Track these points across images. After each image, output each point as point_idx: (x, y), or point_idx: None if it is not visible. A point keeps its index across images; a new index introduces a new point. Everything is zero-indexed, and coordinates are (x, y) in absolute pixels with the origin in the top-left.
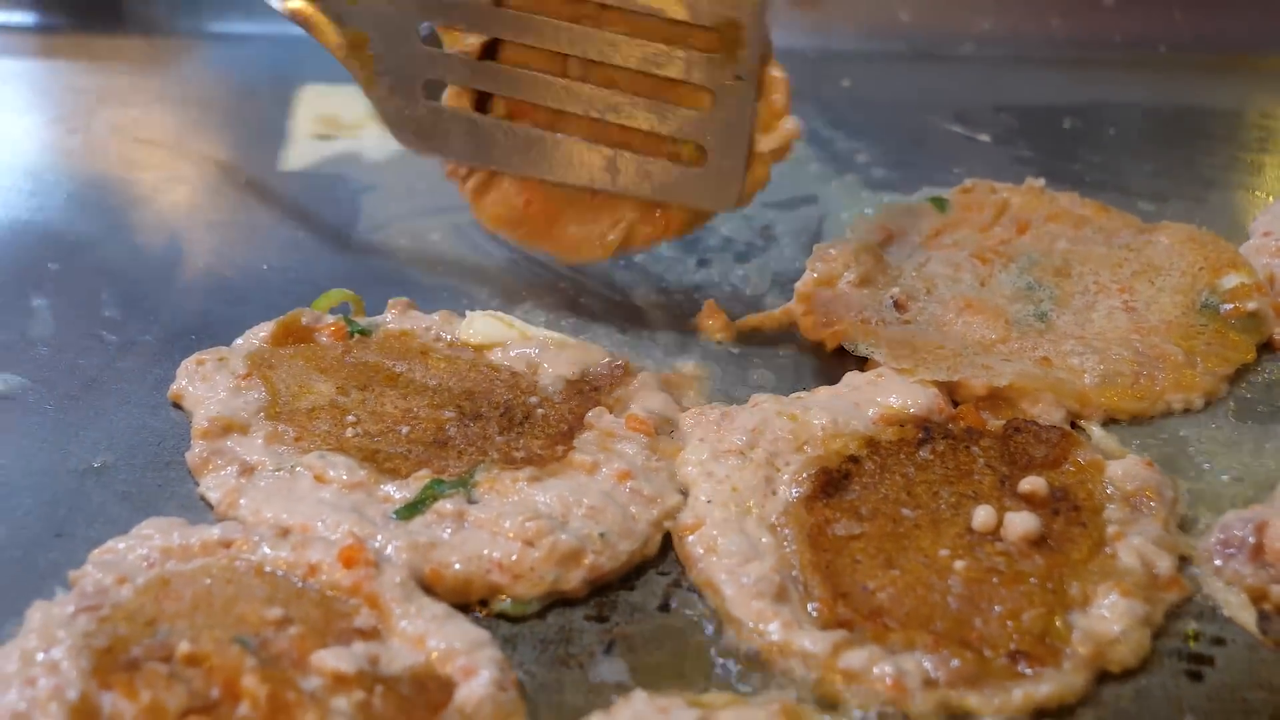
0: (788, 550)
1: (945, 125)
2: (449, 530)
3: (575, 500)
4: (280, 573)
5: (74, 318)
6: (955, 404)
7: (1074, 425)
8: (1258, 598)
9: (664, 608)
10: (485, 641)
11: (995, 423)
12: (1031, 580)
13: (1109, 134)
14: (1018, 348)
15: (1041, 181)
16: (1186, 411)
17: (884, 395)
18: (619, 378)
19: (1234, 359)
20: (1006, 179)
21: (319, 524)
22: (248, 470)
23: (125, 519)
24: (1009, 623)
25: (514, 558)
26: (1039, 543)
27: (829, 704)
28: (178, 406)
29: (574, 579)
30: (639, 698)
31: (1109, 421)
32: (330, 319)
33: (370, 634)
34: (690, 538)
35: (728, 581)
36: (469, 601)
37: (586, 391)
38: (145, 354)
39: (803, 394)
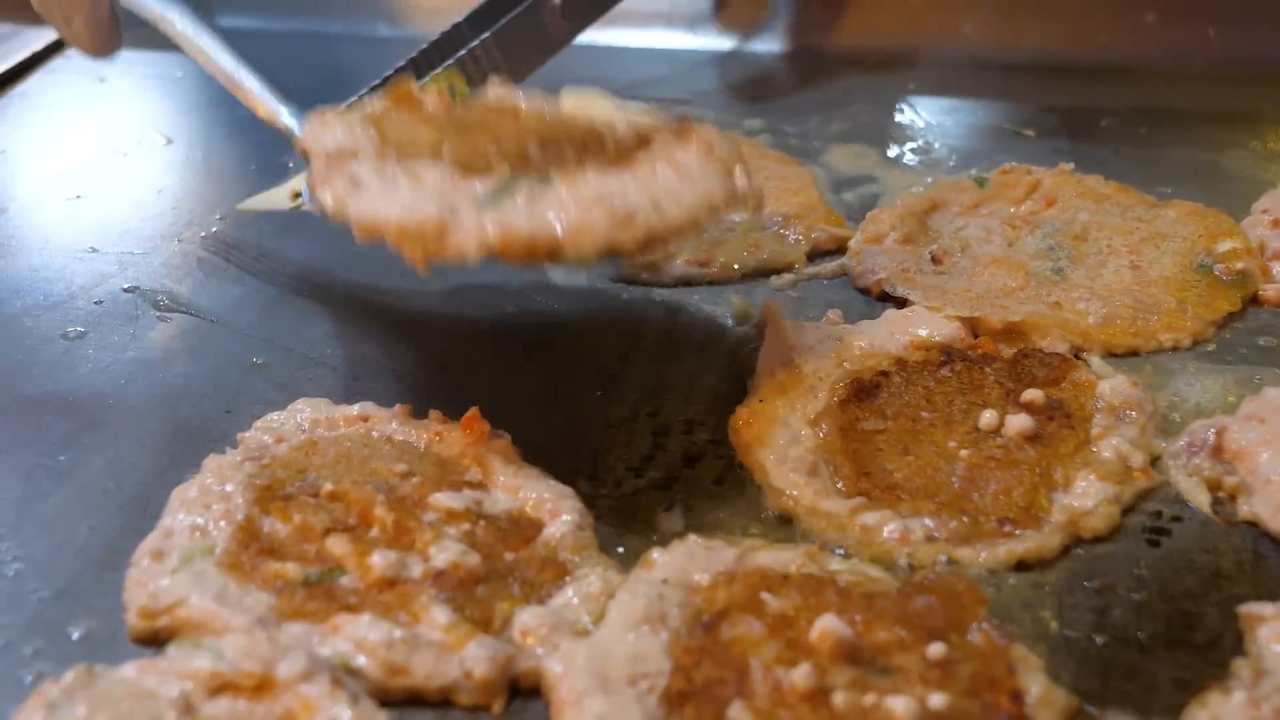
0: (823, 439)
1: (994, 123)
2: (523, 201)
3: (634, 183)
4: (406, 440)
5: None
6: (975, 336)
7: (1077, 357)
8: (1214, 487)
9: (718, 482)
10: (569, 494)
11: (1008, 352)
12: (1023, 467)
13: (1140, 132)
14: (1033, 294)
15: (1071, 166)
16: (1175, 350)
17: (914, 326)
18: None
19: (1221, 308)
20: (1043, 166)
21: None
22: (356, 182)
23: (282, 401)
24: (1001, 497)
25: (576, 217)
26: (1033, 439)
27: (848, 556)
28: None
29: (629, 238)
30: (691, 539)
31: (1108, 355)
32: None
33: (477, 485)
34: (744, 429)
35: (772, 461)
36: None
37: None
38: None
39: (849, 325)
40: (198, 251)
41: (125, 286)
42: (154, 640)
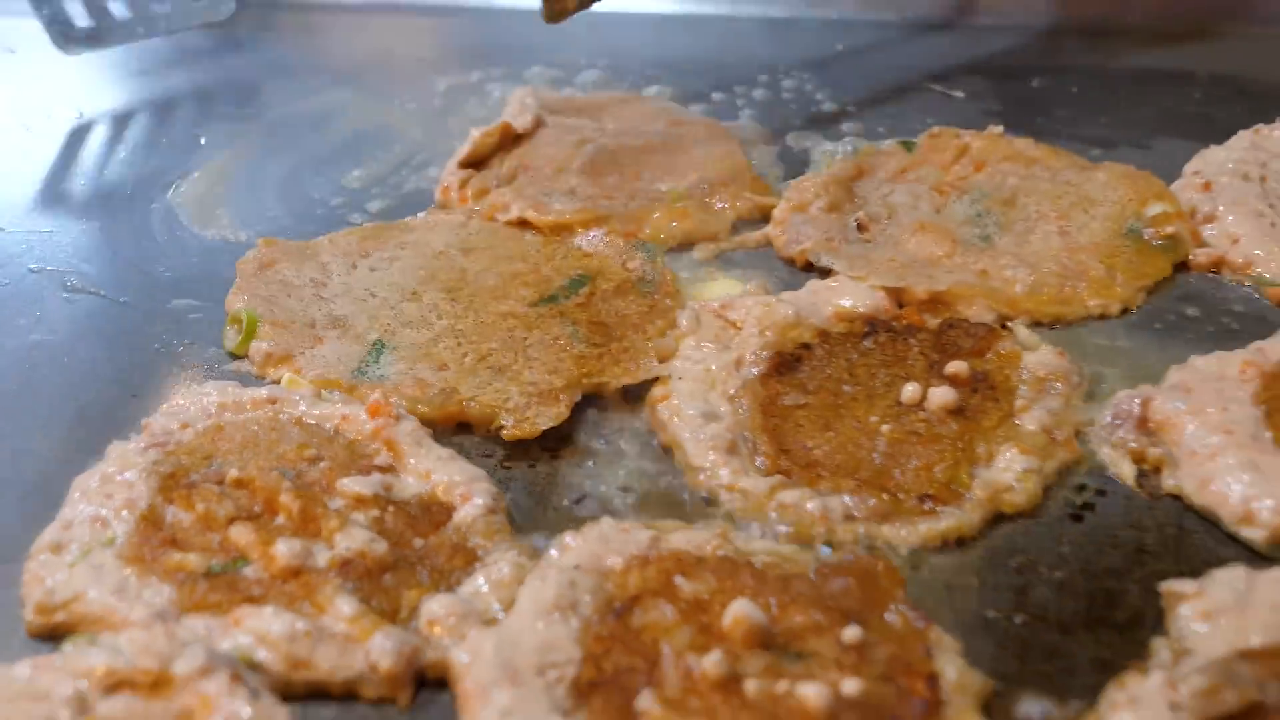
0: (742, 416)
1: (925, 84)
2: None
3: None
4: (315, 423)
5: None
6: (900, 306)
7: (1004, 326)
8: (1138, 459)
9: (639, 456)
10: (481, 476)
11: (934, 322)
12: (945, 441)
13: (1071, 92)
14: (961, 262)
15: (1001, 128)
16: (1104, 317)
17: (838, 297)
18: None
19: (1151, 274)
20: (973, 128)
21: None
22: None
23: (189, 384)
24: (922, 473)
25: None
26: (956, 412)
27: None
28: None
29: None
30: (606, 522)
31: (1035, 324)
32: None
33: (386, 469)
34: (661, 406)
35: (689, 439)
36: None
37: None
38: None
39: (771, 297)
40: (109, 229)
41: (31, 267)
42: (51, 636)
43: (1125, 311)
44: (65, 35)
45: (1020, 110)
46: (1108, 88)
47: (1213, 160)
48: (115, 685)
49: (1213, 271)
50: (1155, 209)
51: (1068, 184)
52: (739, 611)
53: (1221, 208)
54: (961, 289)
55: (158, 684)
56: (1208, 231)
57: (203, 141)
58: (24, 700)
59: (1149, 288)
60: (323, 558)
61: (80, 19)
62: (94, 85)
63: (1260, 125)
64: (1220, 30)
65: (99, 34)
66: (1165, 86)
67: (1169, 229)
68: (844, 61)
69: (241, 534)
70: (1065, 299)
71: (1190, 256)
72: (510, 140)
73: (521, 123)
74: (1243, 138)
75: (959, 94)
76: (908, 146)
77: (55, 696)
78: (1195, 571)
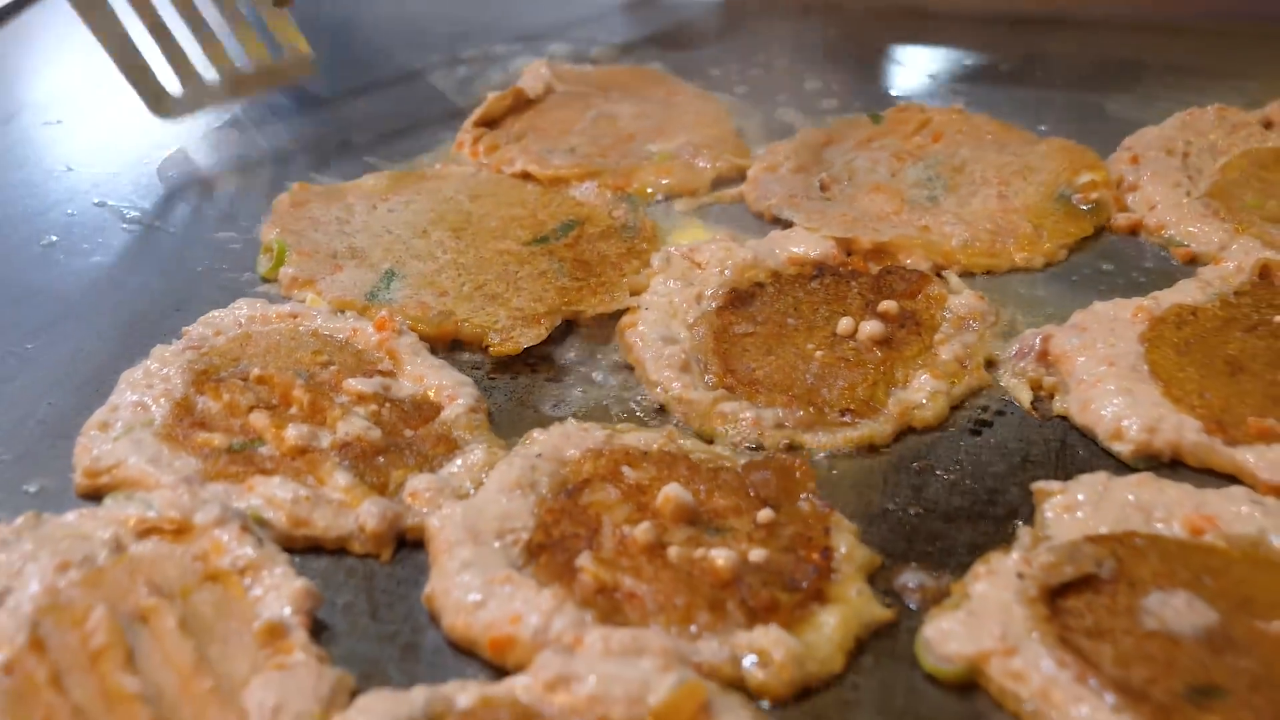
0: (697, 341)
1: (902, 68)
2: None
3: None
4: (328, 334)
5: None
6: (848, 255)
7: (939, 275)
8: (1035, 386)
9: (607, 374)
10: (468, 382)
11: (876, 269)
12: (870, 367)
13: (1036, 76)
14: (906, 219)
15: (962, 105)
16: (1028, 270)
17: (793, 244)
18: None
19: (1074, 233)
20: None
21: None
22: None
23: (225, 302)
24: (845, 392)
25: None
26: (882, 343)
27: (706, 438)
28: None
29: None
30: (570, 422)
31: (967, 275)
32: None
33: (387, 374)
34: (629, 331)
35: (650, 359)
36: None
37: None
38: None
39: (734, 243)
40: (164, 172)
41: (95, 201)
42: (96, 496)
43: (1048, 265)
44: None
45: (985, 91)
46: (1066, 74)
47: (1145, 138)
48: (146, 531)
49: (1131, 234)
50: (1085, 178)
51: (1013, 155)
52: (670, 492)
53: (1145, 178)
54: (902, 240)
55: (180, 531)
56: (1130, 199)
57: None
58: (71, 540)
59: (1071, 245)
60: (326, 440)
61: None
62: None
63: (1194, 108)
64: (1178, 24)
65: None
66: (1118, 74)
67: (1094, 195)
68: (835, 46)
69: (259, 420)
70: (995, 253)
71: (1111, 220)
72: (523, 104)
73: (533, 89)
74: (1176, 118)
75: (930, 76)
76: (875, 118)
77: (96, 537)
78: (1069, 478)
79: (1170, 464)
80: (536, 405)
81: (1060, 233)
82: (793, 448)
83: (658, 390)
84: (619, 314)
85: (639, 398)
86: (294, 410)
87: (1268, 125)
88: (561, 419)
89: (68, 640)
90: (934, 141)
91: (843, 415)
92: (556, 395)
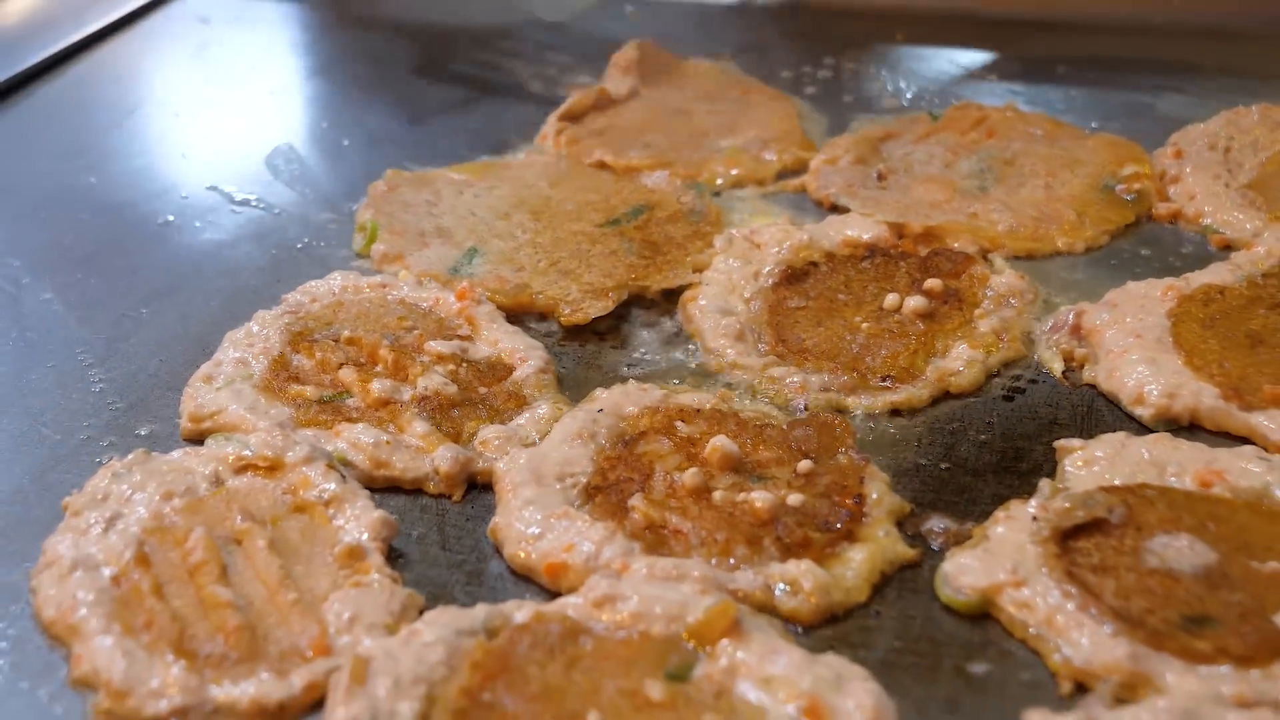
0: (753, 314)
1: (965, 69)
2: None
3: None
4: (414, 302)
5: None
6: (900, 238)
7: (985, 258)
8: (1067, 357)
9: (667, 343)
10: (538, 347)
11: (925, 251)
12: (912, 338)
13: (1090, 77)
14: (956, 207)
15: (1017, 104)
16: (1070, 254)
17: (847, 228)
18: None
19: (1116, 220)
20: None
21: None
22: None
23: (322, 274)
24: (888, 360)
25: None
26: (925, 317)
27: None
28: None
29: None
30: (631, 383)
31: (1012, 258)
32: None
33: (465, 338)
34: (689, 304)
35: (708, 329)
36: None
37: None
38: None
39: (791, 227)
40: (271, 160)
41: (208, 185)
42: (199, 440)
43: (1089, 250)
44: None
45: (1042, 91)
46: (1121, 75)
47: (1191, 134)
48: (242, 467)
49: (1171, 222)
50: (1129, 170)
51: (1062, 149)
52: (718, 442)
53: (1187, 170)
54: (951, 225)
55: (273, 468)
56: (1172, 190)
57: None
58: (176, 473)
59: (1112, 232)
60: (407, 395)
61: None
62: (272, 50)
63: (1240, 107)
64: (1238, 29)
65: None
66: (1171, 75)
67: (1137, 186)
68: (900, 50)
69: (347, 375)
70: (1039, 238)
71: (1154, 209)
72: (606, 102)
73: (617, 91)
74: (1221, 116)
75: (993, 77)
76: (933, 116)
77: (198, 472)
78: (1092, 438)
79: (1189, 427)
80: (602, 369)
81: (1102, 220)
82: (836, 410)
83: (713, 358)
84: (682, 290)
85: (695, 363)
86: (379, 368)
87: None
88: (623, 379)
89: (170, 557)
90: (988, 138)
91: (884, 381)
92: (620, 361)
